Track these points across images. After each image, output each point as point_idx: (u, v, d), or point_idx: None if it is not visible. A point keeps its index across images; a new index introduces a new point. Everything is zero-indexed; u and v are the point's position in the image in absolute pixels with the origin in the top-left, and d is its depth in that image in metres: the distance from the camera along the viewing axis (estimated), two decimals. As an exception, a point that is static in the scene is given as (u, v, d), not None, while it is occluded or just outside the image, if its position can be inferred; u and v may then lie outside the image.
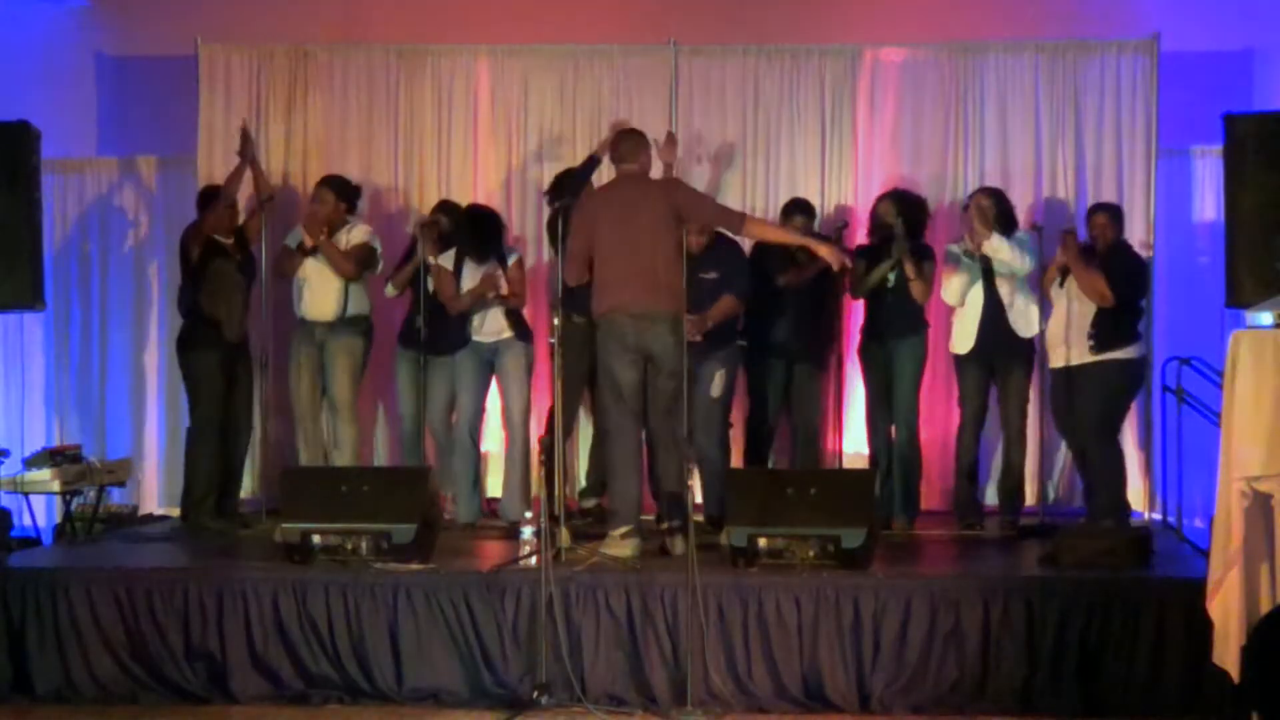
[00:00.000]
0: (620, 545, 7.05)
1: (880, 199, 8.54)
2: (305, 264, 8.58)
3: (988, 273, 8.25)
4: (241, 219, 8.66)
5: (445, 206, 8.75)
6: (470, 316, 8.46)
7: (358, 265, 8.56)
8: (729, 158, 9.20)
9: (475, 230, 8.49)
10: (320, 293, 8.58)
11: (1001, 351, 8.28)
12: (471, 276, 8.42)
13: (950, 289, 8.33)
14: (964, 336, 8.31)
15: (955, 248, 8.39)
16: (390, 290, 8.69)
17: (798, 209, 8.56)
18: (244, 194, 8.75)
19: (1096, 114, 9.03)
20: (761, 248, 8.37)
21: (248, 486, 8.88)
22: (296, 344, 8.70)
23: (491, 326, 8.47)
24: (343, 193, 8.69)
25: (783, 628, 6.46)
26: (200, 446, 8.40)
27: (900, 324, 8.37)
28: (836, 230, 8.57)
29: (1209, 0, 9.25)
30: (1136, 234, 8.92)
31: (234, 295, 8.42)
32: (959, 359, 8.38)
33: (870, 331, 8.48)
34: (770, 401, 8.50)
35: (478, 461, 8.60)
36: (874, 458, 8.46)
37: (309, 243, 8.56)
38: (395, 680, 6.60)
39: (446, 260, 8.47)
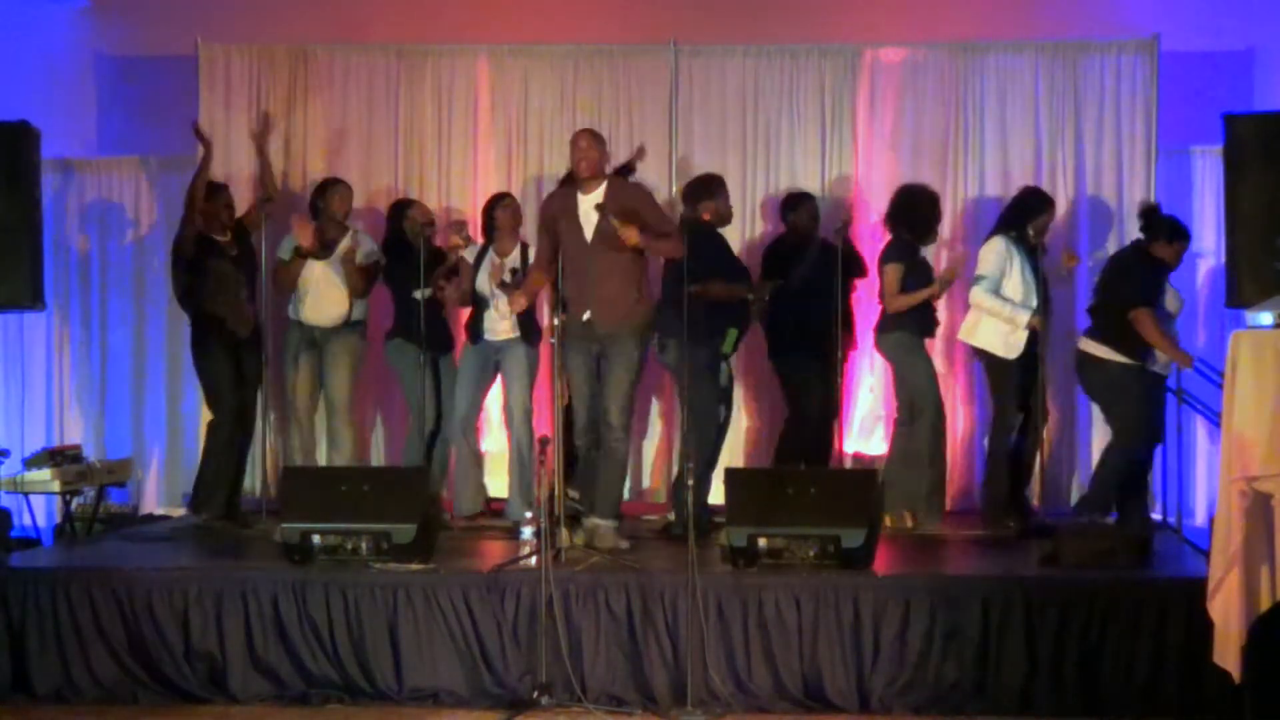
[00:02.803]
0: (617, 539, 7.23)
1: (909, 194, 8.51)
2: (308, 269, 8.57)
3: (1039, 274, 8.25)
4: (239, 212, 8.68)
5: (407, 203, 8.74)
6: (481, 315, 8.45)
7: (369, 282, 8.64)
8: (729, 157, 9.21)
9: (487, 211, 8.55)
10: (328, 298, 8.59)
11: (1033, 354, 8.27)
12: (491, 267, 8.45)
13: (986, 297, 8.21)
14: (1019, 341, 8.16)
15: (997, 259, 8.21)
16: (424, 293, 8.45)
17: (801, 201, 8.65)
18: (241, 193, 8.78)
19: (1096, 114, 9.04)
20: (778, 248, 8.39)
21: (248, 486, 8.88)
22: (294, 345, 8.70)
23: (500, 325, 8.47)
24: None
25: (783, 628, 6.46)
26: (219, 443, 8.41)
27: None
28: (836, 230, 8.57)
29: (1209, 0, 9.25)
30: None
31: (235, 291, 8.42)
32: (1005, 363, 8.20)
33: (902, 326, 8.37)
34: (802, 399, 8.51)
35: (471, 457, 8.59)
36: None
37: (309, 246, 8.50)
38: (395, 680, 6.60)
39: (470, 257, 8.52)
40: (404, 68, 9.36)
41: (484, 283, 8.46)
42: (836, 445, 8.60)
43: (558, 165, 9.19)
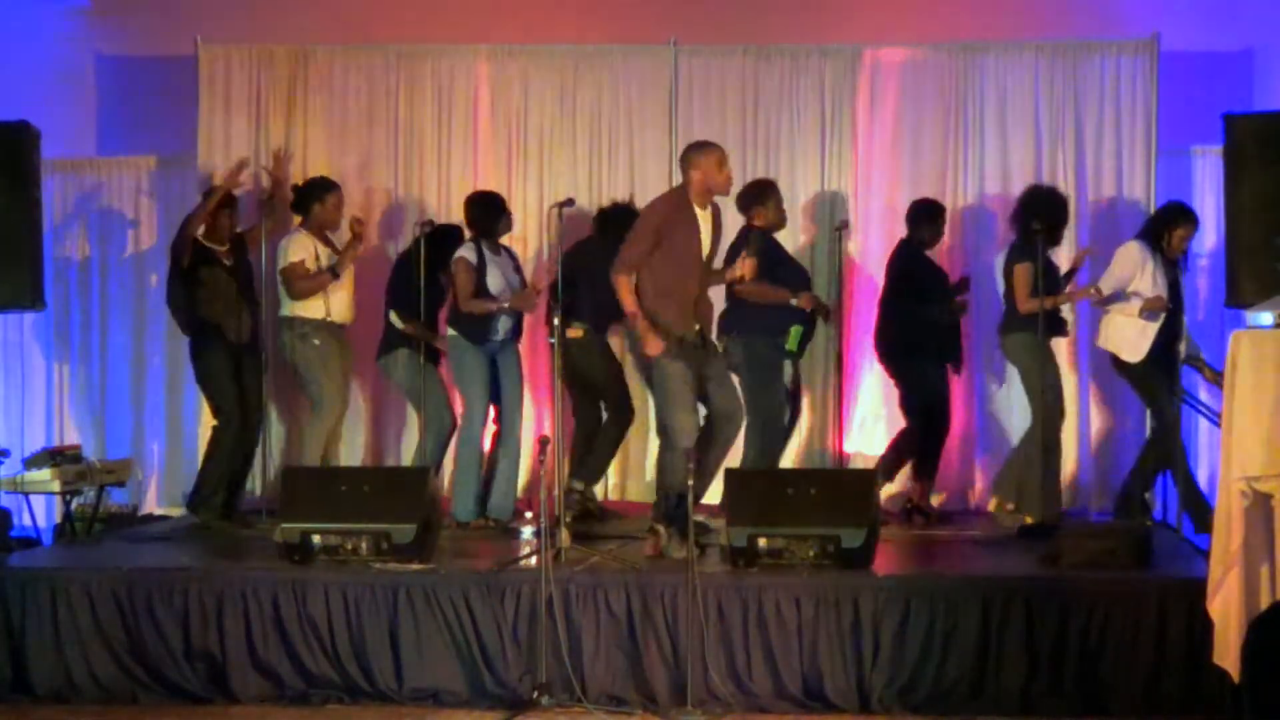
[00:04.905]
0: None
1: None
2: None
3: (1174, 284, 8.23)
4: (241, 227, 8.65)
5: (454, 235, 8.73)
6: (491, 316, 8.42)
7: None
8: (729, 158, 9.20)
9: (487, 212, 8.48)
10: (346, 296, 8.59)
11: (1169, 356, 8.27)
12: (496, 269, 8.39)
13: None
14: (1144, 344, 8.15)
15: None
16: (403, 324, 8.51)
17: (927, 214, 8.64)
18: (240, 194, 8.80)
19: (1096, 114, 9.04)
20: (911, 269, 8.43)
21: (248, 486, 8.88)
22: (325, 344, 8.51)
23: (504, 325, 8.48)
24: None
25: (783, 628, 6.46)
26: (222, 448, 8.40)
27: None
28: (836, 230, 8.57)
29: (1209, 0, 9.25)
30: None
31: (231, 297, 8.41)
32: (1132, 366, 8.19)
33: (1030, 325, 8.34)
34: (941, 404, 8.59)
35: (482, 462, 8.58)
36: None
37: (340, 269, 8.54)
38: (395, 680, 6.60)
39: (469, 252, 8.38)
40: (404, 68, 9.35)
41: (496, 282, 8.40)
42: (835, 446, 8.62)
43: (558, 165, 9.25)
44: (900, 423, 8.74)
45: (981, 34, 9.24)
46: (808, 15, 9.46)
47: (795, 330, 8.17)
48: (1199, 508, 8.16)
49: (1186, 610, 6.22)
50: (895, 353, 8.56)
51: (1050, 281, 8.21)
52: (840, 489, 7.01)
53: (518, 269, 8.58)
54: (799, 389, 8.56)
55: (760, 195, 8.33)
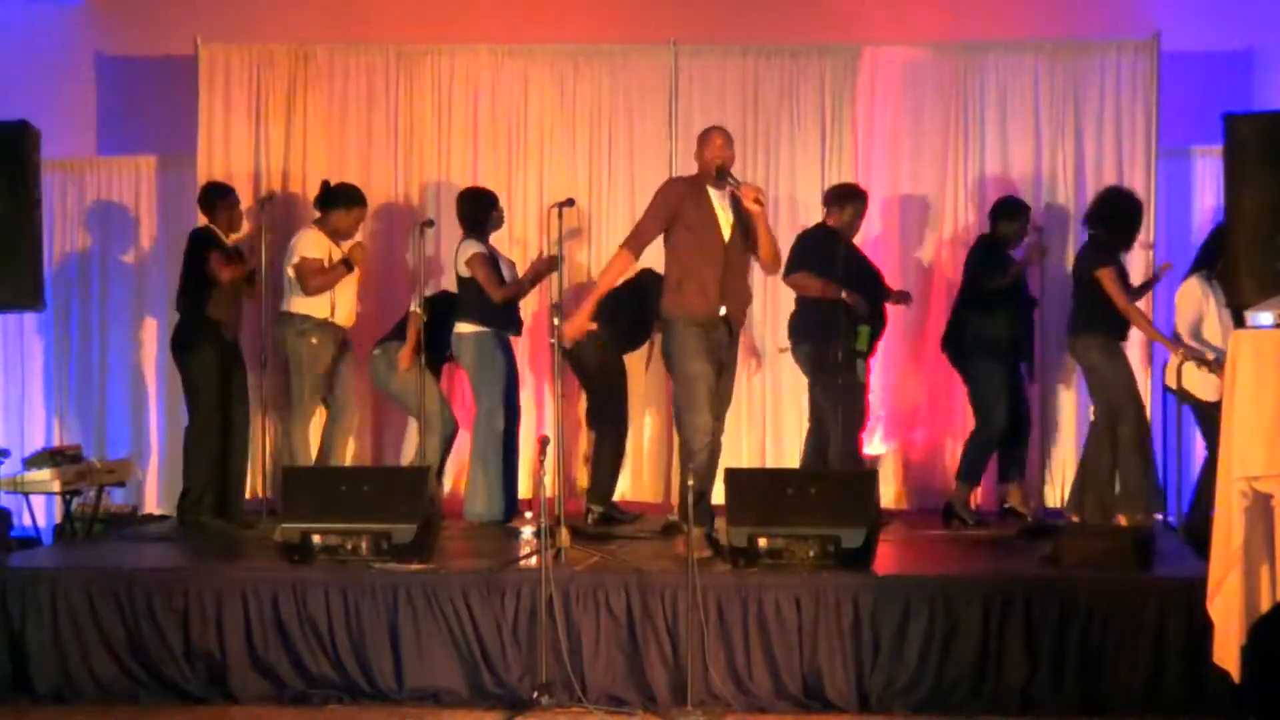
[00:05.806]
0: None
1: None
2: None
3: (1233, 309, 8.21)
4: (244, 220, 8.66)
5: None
6: (517, 309, 8.46)
7: None
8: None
9: (478, 207, 8.51)
10: (350, 299, 8.61)
11: None
12: (500, 261, 8.42)
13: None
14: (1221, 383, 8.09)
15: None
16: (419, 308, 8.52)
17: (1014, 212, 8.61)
18: (239, 191, 8.80)
19: (1096, 114, 9.05)
20: (989, 265, 8.43)
21: (248, 486, 8.88)
22: (321, 344, 8.51)
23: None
24: None
25: (783, 628, 6.46)
26: (202, 446, 8.38)
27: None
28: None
29: (1209, 0, 9.26)
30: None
31: (234, 295, 8.44)
32: (1211, 406, 7.86)
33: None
34: (1011, 403, 8.55)
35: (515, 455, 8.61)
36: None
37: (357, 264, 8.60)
38: (395, 680, 6.60)
39: (477, 247, 8.36)
40: (404, 67, 9.36)
41: (506, 273, 8.42)
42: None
43: (558, 165, 9.25)
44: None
45: (981, 34, 9.26)
46: (808, 15, 9.48)
47: (864, 330, 8.14)
48: (1198, 531, 8.14)
49: (1186, 610, 6.22)
50: (967, 351, 8.52)
51: (1125, 283, 8.22)
52: (840, 489, 7.00)
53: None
54: (867, 388, 8.50)
55: (839, 198, 8.43)
